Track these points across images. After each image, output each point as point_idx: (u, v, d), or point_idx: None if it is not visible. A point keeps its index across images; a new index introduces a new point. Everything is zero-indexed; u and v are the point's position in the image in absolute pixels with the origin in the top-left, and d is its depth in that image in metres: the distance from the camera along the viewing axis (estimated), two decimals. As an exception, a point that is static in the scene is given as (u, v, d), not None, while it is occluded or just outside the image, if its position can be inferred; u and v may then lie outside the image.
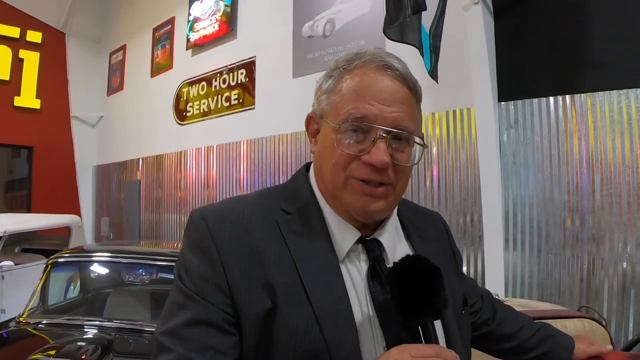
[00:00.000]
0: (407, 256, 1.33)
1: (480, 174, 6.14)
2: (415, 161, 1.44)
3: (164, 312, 1.37)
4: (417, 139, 1.41)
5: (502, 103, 6.13)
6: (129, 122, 13.78)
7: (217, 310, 1.31)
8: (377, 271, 1.40)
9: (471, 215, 6.51)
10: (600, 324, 3.19)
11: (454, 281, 1.63)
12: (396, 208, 1.55)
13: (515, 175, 6.08)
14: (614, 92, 5.73)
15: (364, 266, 1.42)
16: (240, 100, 10.07)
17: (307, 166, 1.57)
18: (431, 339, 1.28)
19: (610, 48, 5.70)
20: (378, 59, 1.39)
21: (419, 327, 1.29)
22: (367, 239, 1.45)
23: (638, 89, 5.62)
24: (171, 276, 5.52)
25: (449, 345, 1.45)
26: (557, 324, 3.03)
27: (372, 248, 1.44)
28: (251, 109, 9.87)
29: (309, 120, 1.51)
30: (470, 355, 1.67)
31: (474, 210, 6.48)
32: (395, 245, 1.50)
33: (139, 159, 13.22)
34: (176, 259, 1.40)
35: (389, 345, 1.32)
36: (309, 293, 1.32)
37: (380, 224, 1.49)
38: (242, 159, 9.92)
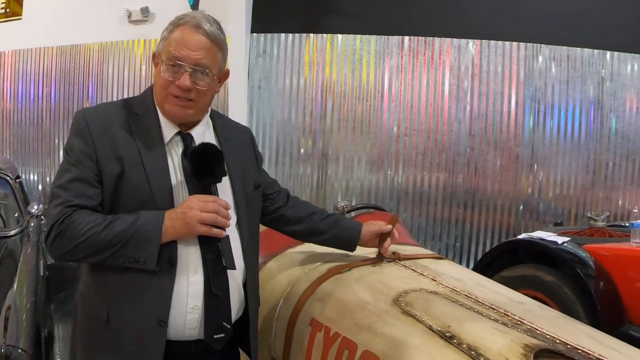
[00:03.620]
0: (201, 143, 1.96)
1: (229, 96, 6.30)
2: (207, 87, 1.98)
3: (56, 175, 1.92)
4: (214, 73, 1.97)
5: (254, 34, 6.31)
6: None
7: (89, 172, 1.87)
8: (187, 152, 1.97)
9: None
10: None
11: (250, 171, 2.23)
12: (209, 119, 2.15)
13: (260, 98, 6.34)
14: (350, 36, 6.12)
15: (180, 149, 2.00)
16: (7, 10, 9.20)
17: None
18: (213, 194, 1.92)
19: None
20: (194, 21, 1.92)
21: (210, 187, 1.93)
22: (184, 133, 2.01)
23: (370, 35, 6.15)
24: None
25: (236, 207, 2.08)
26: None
27: (186, 138, 2.01)
28: (18, 19, 9.11)
29: (154, 56, 2.00)
30: (258, 224, 2.29)
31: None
32: (205, 139, 2.03)
33: None
34: None
35: None
36: (144, 162, 1.90)
37: (194, 125, 2.04)
38: (6, 70, 9.29)
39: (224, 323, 1.97)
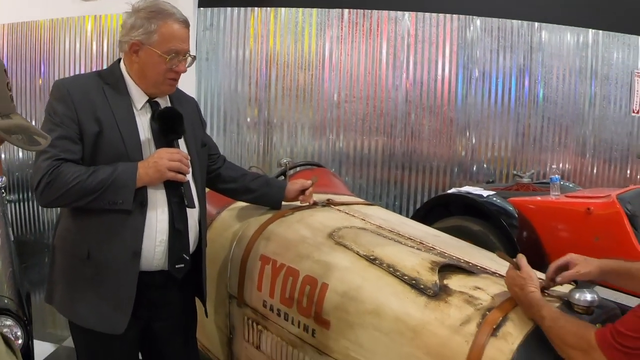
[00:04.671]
0: (166, 107, 2.39)
1: (177, 68, 6.49)
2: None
3: None
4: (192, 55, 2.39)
5: (202, 9, 6.54)
6: None
7: (72, 131, 2.19)
8: (154, 116, 2.34)
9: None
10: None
11: (198, 132, 2.62)
12: None
13: (207, 69, 6.60)
14: (293, 9, 6.38)
15: (149, 114, 2.35)
16: (-49, -11, 9.20)
17: (119, 60, 2.40)
18: (176, 146, 2.34)
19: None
20: (177, 16, 2.29)
21: (173, 142, 2.33)
22: (152, 100, 2.37)
23: (312, 9, 6.40)
24: None
25: (191, 160, 2.40)
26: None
27: (153, 105, 2.36)
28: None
29: (133, 44, 2.28)
30: (205, 177, 2.65)
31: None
32: (165, 105, 2.43)
33: None
34: None
35: None
36: (118, 123, 2.25)
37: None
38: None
39: (183, 255, 2.38)
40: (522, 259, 1.96)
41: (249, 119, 6.60)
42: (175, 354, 2.57)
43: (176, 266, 2.36)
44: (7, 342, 1.34)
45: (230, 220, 3.01)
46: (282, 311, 2.46)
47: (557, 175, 5.00)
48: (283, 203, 2.91)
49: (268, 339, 2.59)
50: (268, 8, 6.52)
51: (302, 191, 2.89)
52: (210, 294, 2.78)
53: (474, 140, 6.89)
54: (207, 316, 2.72)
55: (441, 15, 6.69)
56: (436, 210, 5.10)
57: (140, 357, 2.57)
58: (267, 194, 2.88)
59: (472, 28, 6.73)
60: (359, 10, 6.62)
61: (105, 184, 2.17)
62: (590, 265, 1.90)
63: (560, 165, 7.02)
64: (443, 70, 6.76)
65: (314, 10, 6.55)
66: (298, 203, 2.92)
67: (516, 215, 4.70)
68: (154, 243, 2.30)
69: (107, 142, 2.24)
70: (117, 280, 2.26)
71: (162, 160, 2.23)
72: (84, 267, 2.27)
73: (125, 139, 2.26)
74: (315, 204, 2.90)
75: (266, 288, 2.56)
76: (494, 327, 1.79)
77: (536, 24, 6.84)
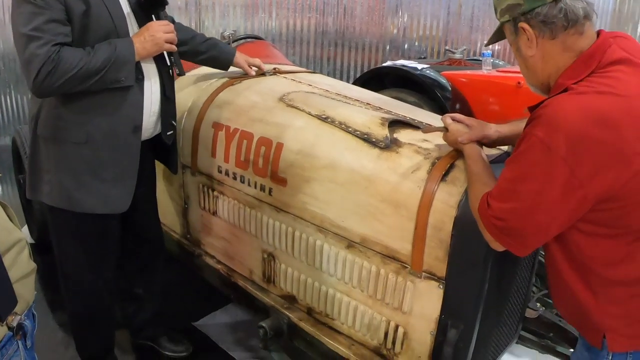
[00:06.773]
0: None
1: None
2: None
3: (21, 20, 2.09)
4: None
5: None
6: None
7: (60, 13, 2.10)
8: None
9: None
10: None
11: None
12: None
13: None
14: None
15: None
16: None
17: None
18: (163, 19, 2.39)
19: None
20: None
21: (159, 14, 2.39)
22: None
23: None
24: None
25: None
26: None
27: None
28: None
29: None
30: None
31: None
32: None
33: None
34: None
35: (140, 26, 2.34)
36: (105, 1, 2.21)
37: None
38: None
39: (172, 122, 2.58)
40: (446, 118, 2.02)
41: (179, 2, 6.47)
42: (149, 220, 2.84)
43: (167, 133, 2.55)
44: (4, 208, 1.40)
45: (178, 92, 3.07)
46: (237, 174, 2.59)
47: (489, 51, 5.20)
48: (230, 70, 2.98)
49: (224, 204, 2.73)
50: None
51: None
52: (160, 166, 2.88)
53: (405, 19, 6.99)
54: (175, 172, 2.86)
55: None
56: (371, 83, 5.23)
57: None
58: (217, 57, 2.92)
59: None
60: None
61: (108, 63, 2.18)
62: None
63: (491, 46, 7.20)
64: (376, -53, 6.75)
65: None
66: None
67: (449, 88, 4.90)
68: (149, 114, 2.43)
69: (95, 19, 2.21)
70: (120, 157, 2.37)
71: (158, 34, 2.30)
72: (82, 151, 2.31)
73: (112, 15, 2.25)
74: (262, 73, 2.98)
75: (220, 154, 2.66)
76: (443, 173, 1.95)
77: None
